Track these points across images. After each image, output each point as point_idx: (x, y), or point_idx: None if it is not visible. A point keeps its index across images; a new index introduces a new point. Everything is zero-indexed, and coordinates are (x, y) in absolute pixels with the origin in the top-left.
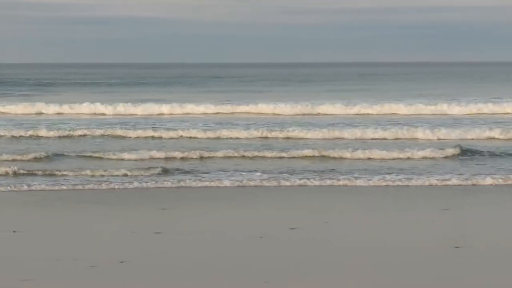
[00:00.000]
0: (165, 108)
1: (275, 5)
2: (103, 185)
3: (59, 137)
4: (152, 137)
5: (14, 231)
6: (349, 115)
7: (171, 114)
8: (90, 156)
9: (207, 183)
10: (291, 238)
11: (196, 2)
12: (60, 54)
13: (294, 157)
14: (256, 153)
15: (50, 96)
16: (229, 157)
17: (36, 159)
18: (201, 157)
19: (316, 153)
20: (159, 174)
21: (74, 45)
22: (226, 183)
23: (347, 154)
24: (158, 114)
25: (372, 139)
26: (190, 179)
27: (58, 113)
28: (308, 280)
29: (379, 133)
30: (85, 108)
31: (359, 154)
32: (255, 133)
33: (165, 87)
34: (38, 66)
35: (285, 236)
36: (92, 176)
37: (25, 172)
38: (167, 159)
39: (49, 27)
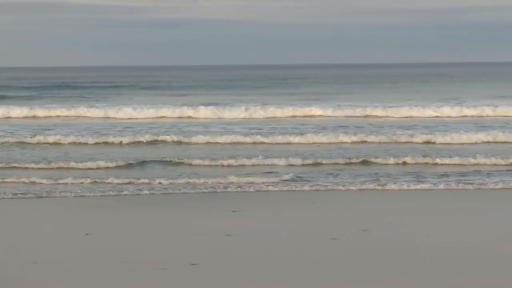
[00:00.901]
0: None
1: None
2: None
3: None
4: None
5: (87, 234)
6: None
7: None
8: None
9: (280, 186)
10: (363, 239)
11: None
12: (129, 57)
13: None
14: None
15: (149, 98)
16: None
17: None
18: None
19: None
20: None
21: (145, 48)
22: (297, 186)
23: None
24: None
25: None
26: (259, 183)
27: (158, 117)
28: (381, 279)
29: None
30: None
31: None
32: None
33: (257, 89)
34: (107, 69)
35: (357, 237)
36: (171, 183)
37: (104, 180)
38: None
39: (119, 30)
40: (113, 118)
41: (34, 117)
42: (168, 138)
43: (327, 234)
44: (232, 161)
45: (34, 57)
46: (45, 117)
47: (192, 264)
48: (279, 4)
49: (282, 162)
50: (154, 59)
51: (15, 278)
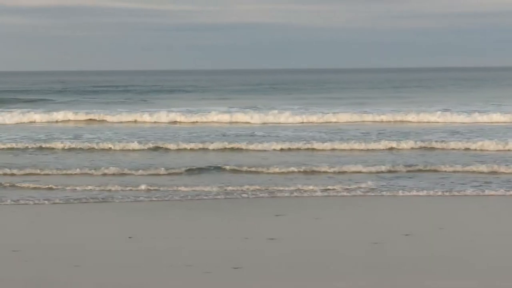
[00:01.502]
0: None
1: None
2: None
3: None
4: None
5: (130, 237)
6: None
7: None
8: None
9: (321, 191)
10: (406, 243)
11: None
12: (183, 61)
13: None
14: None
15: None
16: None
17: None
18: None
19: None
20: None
21: (199, 52)
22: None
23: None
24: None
25: None
26: (303, 187)
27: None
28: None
29: None
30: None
31: None
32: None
33: (337, 92)
34: (157, 73)
35: (400, 241)
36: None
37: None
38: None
39: (171, 34)
40: (179, 122)
41: (101, 121)
42: (240, 145)
43: (369, 238)
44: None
45: (95, 61)
46: (112, 122)
47: (235, 268)
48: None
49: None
50: (209, 63)
51: (57, 281)
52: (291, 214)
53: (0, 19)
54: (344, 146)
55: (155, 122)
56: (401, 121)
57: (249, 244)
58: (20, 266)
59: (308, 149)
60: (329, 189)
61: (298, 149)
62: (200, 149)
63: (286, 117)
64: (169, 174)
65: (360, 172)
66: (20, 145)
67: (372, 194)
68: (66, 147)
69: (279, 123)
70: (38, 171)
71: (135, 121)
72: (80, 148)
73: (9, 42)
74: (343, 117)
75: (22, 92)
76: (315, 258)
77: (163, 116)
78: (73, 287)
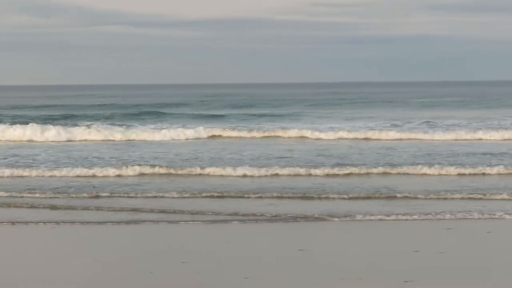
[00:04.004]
0: None
1: None
2: None
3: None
4: None
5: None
6: None
7: None
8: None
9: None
10: None
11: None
12: (346, 73)
13: None
14: None
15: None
16: None
17: None
18: None
19: None
20: None
21: (366, 64)
22: None
23: None
24: None
25: None
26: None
27: None
28: None
29: None
30: None
31: None
32: None
33: None
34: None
35: None
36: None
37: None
38: None
39: (336, 47)
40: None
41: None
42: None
43: None
44: None
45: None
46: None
47: (406, 281)
48: None
49: None
50: (367, 75)
51: None
52: (462, 228)
53: (168, 32)
54: None
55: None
56: None
57: (420, 257)
58: (190, 277)
59: None
60: None
61: None
62: None
63: None
64: None
65: None
66: None
67: None
68: None
69: None
70: None
71: None
72: None
73: (179, 55)
74: None
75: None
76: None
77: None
78: None
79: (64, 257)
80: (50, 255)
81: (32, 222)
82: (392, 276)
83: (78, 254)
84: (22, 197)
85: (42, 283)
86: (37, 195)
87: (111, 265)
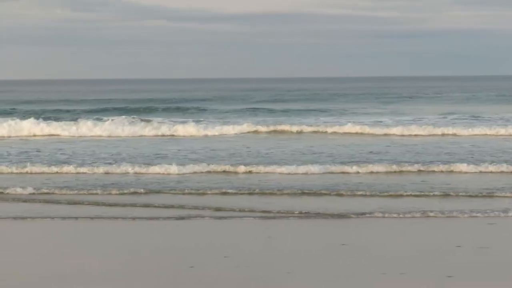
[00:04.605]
0: None
1: None
2: None
3: None
4: None
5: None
6: None
7: None
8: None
9: None
10: None
11: None
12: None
13: None
14: None
15: None
16: None
17: None
18: None
19: None
20: None
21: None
22: None
23: None
24: None
25: None
26: None
27: None
28: None
29: None
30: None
31: None
32: None
33: None
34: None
35: None
36: None
37: None
38: None
39: (376, 41)
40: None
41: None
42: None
43: None
44: None
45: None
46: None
47: (448, 277)
48: None
49: None
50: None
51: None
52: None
53: (208, 27)
54: None
55: None
56: None
57: (462, 252)
58: (231, 272)
59: None
60: None
61: None
62: None
63: None
64: None
65: None
66: None
67: None
68: None
69: None
70: None
71: None
72: None
73: (220, 49)
74: None
75: None
76: None
77: None
78: None
79: (103, 251)
80: (99, 249)
81: (96, 218)
82: (435, 271)
83: (119, 249)
84: (85, 194)
85: (102, 275)
86: (99, 193)
87: (154, 259)
